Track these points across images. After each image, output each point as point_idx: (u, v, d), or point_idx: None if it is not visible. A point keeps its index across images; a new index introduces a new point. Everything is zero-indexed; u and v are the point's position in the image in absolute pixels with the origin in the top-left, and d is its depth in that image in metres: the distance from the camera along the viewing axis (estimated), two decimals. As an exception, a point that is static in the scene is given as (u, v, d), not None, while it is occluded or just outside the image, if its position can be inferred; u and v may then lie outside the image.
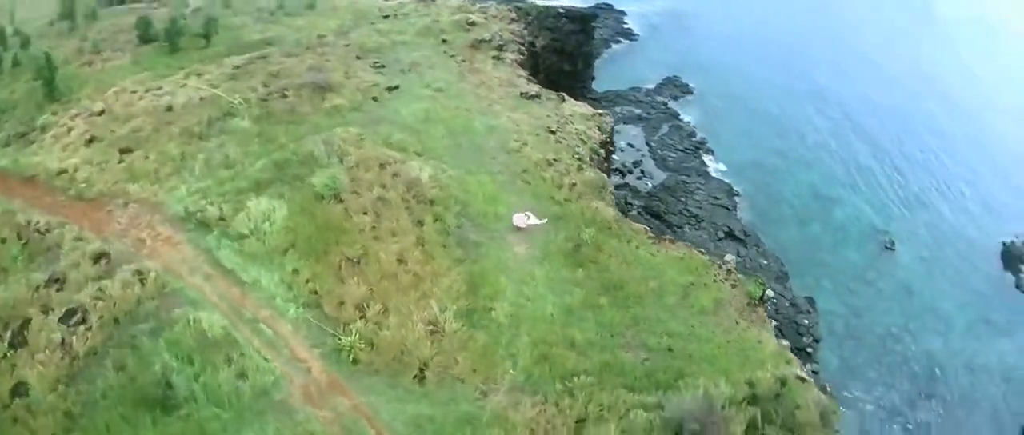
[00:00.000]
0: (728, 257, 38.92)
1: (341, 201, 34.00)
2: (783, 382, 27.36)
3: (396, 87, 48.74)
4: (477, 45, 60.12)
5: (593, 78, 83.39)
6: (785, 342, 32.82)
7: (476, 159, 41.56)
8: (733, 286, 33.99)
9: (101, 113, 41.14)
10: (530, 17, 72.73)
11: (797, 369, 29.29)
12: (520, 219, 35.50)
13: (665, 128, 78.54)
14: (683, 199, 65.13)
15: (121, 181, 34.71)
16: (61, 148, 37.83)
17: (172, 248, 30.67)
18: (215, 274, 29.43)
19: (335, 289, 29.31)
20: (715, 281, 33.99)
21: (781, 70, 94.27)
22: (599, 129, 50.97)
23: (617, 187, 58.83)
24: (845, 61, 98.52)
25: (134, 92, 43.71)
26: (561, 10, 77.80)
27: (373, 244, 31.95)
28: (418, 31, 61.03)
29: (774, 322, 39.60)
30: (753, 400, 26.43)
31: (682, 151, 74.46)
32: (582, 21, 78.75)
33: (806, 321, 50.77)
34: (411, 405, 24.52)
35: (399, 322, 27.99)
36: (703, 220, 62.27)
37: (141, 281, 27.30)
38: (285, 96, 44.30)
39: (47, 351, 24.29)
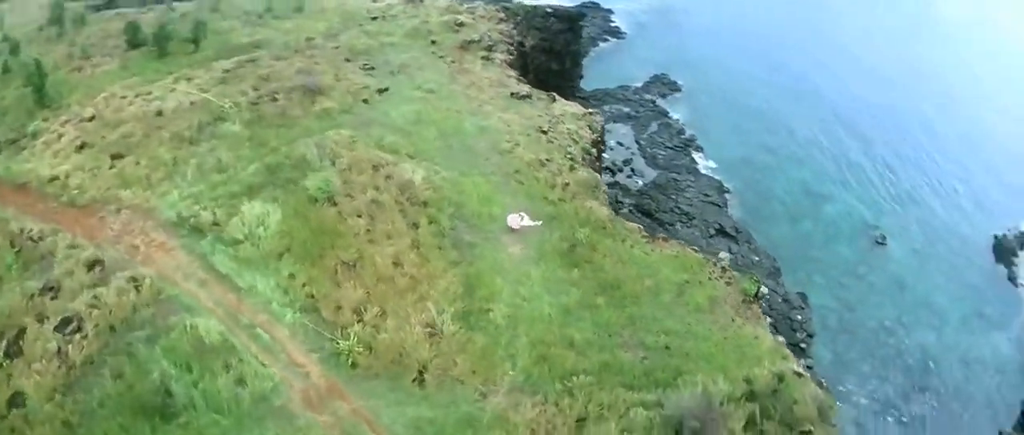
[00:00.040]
0: (722, 254, 39.28)
1: (335, 204, 33.87)
2: (780, 378, 27.55)
3: (386, 89, 48.61)
4: (466, 46, 60.03)
5: (581, 77, 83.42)
6: (781, 338, 32.92)
7: (468, 160, 41.53)
8: (728, 283, 34.17)
9: (91, 119, 40.83)
10: (518, 17, 72.63)
11: (794, 365, 29.51)
12: (514, 220, 35.51)
13: (654, 126, 78.71)
14: (674, 197, 65.32)
15: (113, 187, 34.48)
16: (52, 155, 37.55)
17: (166, 254, 30.49)
18: (210, 279, 29.29)
19: (331, 293, 29.23)
20: (710, 279, 34.16)
21: (769, 66, 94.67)
22: (590, 128, 51.03)
23: (608, 186, 58.79)
24: (833, 57, 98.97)
25: (124, 97, 43.38)
26: (549, 9, 77.70)
27: (368, 247, 31.87)
28: (407, 32, 60.86)
29: (768, 318, 39.74)
30: (751, 396, 26.62)
31: (672, 149, 74.66)
32: (570, 20, 78.71)
33: (799, 316, 51.08)
34: (411, 408, 24.50)
35: (397, 325, 27.95)
36: (694, 217, 62.46)
37: (136, 288, 27.15)
38: (275, 99, 44.08)
39: (43, 360, 24.15)
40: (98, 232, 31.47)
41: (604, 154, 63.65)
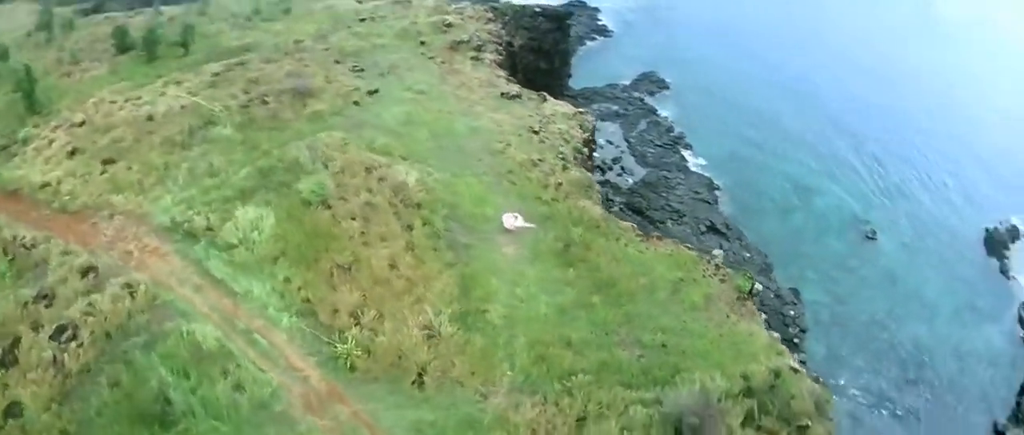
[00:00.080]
0: (716, 252, 39.38)
1: (329, 207, 33.77)
2: (777, 374, 27.65)
3: (376, 91, 48.53)
4: (455, 46, 60.06)
5: (570, 76, 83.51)
6: (776, 334, 33.13)
7: (461, 161, 41.53)
8: (722, 281, 34.36)
9: (82, 124, 40.54)
10: (506, 17, 72.72)
11: (789, 360, 29.68)
12: (509, 220, 35.55)
13: (643, 124, 78.89)
14: (664, 194, 65.44)
15: (105, 193, 34.22)
16: (44, 161, 37.26)
17: (160, 259, 30.30)
18: (205, 285, 29.11)
19: (328, 297, 29.13)
20: (704, 276, 34.33)
21: (756, 63, 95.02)
22: (581, 128, 51.17)
23: (598, 184, 59.03)
24: (820, 53, 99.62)
25: (113, 102, 43.10)
26: (537, 9, 77.86)
27: (363, 250, 31.80)
28: (396, 34, 60.83)
29: (762, 314, 39.98)
30: (749, 392, 26.73)
31: (661, 146, 74.81)
32: (558, 19, 78.79)
33: (792, 312, 51.31)
34: (411, 411, 24.46)
35: (394, 327, 27.88)
36: (685, 215, 62.59)
37: (131, 294, 26.87)
38: (266, 102, 43.93)
39: (39, 369, 23.84)
40: (91, 238, 31.21)
41: (594, 153, 63.87)
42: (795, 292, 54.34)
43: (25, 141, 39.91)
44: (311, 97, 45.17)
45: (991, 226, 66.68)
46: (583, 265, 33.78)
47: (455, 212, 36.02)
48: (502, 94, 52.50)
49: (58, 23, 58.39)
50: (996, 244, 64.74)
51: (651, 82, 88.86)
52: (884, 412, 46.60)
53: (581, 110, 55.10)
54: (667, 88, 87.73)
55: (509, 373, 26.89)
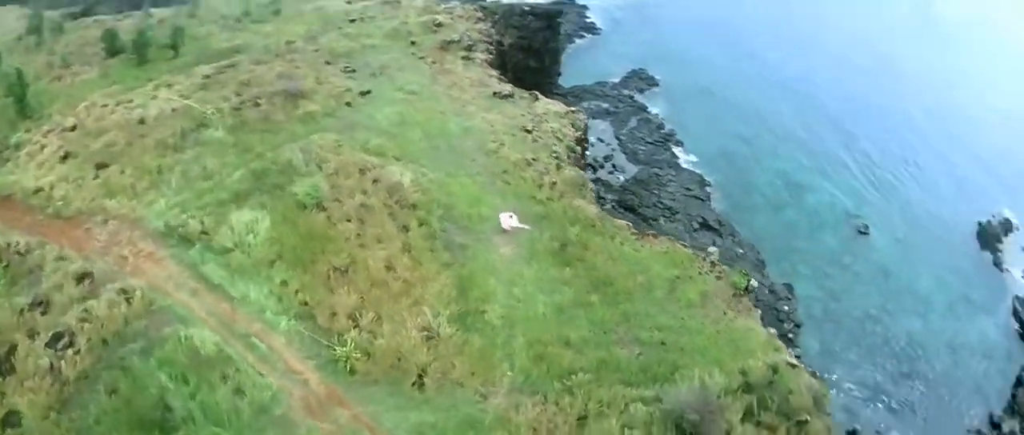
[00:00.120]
0: (711, 249, 39.51)
1: (324, 209, 33.71)
2: (775, 369, 27.79)
3: (368, 91, 48.40)
4: (446, 46, 59.98)
5: (560, 74, 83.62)
6: (772, 330, 33.27)
7: (455, 161, 41.50)
8: (718, 278, 34.51)
9: (74, 129, 40.27)
10: (496, 16, 72.64)
11: (787, 356, 29.81)
12: (506, 220, 35.54)
13: (633, 121, 79.01)
14: (656, 192, 65.56)
15: (98, 197, 34.00)
16: (36, 166, 37.01)
17: (155, 264, 30.13)
18: (202, 289, 28.99)
19: (326, 299, 29.07)
20: (700, 274, 34.48)
21: (746, 59, 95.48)
22: (573, 126, 51.19)
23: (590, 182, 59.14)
24: (809, 49, 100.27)
25: (105, 106, 42.82)
26: (526, 7, 77.91)
27: (360, 252, 31.74)
28: (386, 34, 60.67)
29: (757, 310, 40.13)
30: (747, 388, 26.83)
31: (652, 144, 74.96)
32: (548, 18, 78.85)
33: (786, 307, 51.50)
34: (412, 412, 24.42)
35: (393, 329, 27.85)
36: (677, 212, 62.74)
37: (127, 300, 26.73)
38: (258, 104, 43.71)
39: (36, 377, 23.65)
40: (85, 244, 31.02)
41: (586, 151, 63.93)
42: (789, 287, 54.59)
43: (17, 146, 39.66)
44: (303, 98, 44.99)
45: (984, 220, 67.20)
46: (580, 264, 33.88)
47: (450, 213, 35.97)
48: (494, 93, 52.48)
49: (48, 27, 58.01)
50: (989, 237, 65.22)
51: (640, 79, 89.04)
52: (879, 405, 46.86)
53: (573, 109, 55.12)
54: (656, 85, 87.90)
55: (509, 373, 26.93)
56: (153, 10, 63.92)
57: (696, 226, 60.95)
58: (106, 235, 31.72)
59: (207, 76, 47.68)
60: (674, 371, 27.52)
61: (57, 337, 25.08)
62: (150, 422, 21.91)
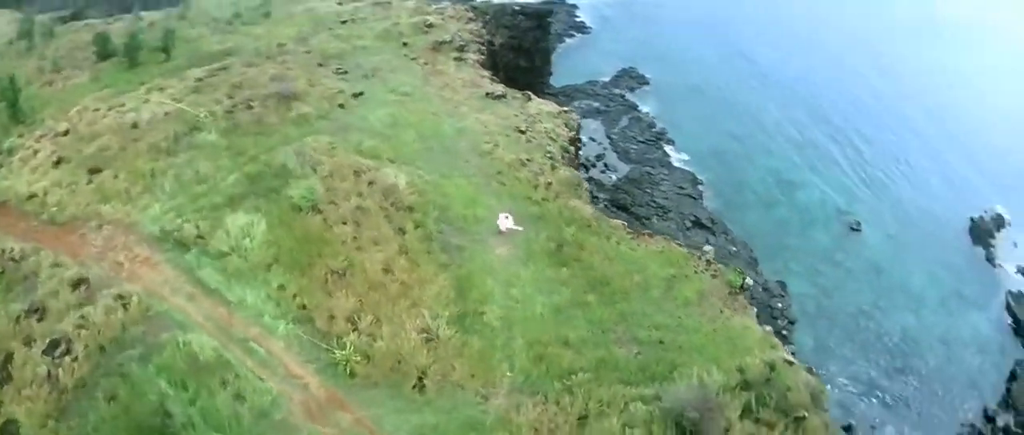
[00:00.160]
0: (706, 247, 39.60)
1: (319, 212, 33.63)
2: (772, 366, 27.92)
3: (361, 93, 48.30)
4: (438, 47, 59.91)
5: (551, 74, 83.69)
6: (768, 328, 33.45)
7: (449, 162, 41.47)
8: (714, 276, 34.61)
9: (66, 133, 40.04)
10: (487, 16, 72.69)
11: (783, 353, 29.96)
12: (503, 221, 35.55)
13: (625, 120, 79.19)
14: (648, 190, 65.70)
15: (93, 202, 33.84)
16: (30, 171, 36.77)
17: (151, 269, 30.00)
18: (198, 294, 28.89)
19: (324, 302, 29.00)
20: (696, 272, 34.57)
21: (737, 57, 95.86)
22: (567, 126, 51.29)
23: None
24: (799, 47, 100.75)
25: (97, 110, 42.57)
26: (517, 7, 77.91)
27: (357, 254, 31.68)
28: (377, 35, 60.54)
29: (752, 308, 40.35)
30: (746, 385, 26.94)
31: (643, 143, 75.13)
32: (538, 17, 78.95)
33: (779, 304, 51.80)
34: (414, 415, 24.41)
35: (392, 332, 27.82)
36: (670, 210, 62.91)
37: (124, 306, 26.59)
38: (251, 107, 43.54)
39: (34, 385, 23.52)
40: (80, 249, 30.84)
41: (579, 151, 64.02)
42: (782, 285, 54.88)
43: (10, 152, 39.37)
44: (296, 101, 44.83)
45: (976, 215, 67.68)
46: (577, 264, 33.93)
47: (446, 214, 35.95)
48: (487, 94, 52.46)
49: (38, 31, 57.64)
50: (981, 233, 65.70)
51: (631, 78, 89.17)
52: (874, 401, 47.19)
53: (566, 109, 55.20)
54: (647, 84, 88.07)
55: (509, 374, 26.97)
56: (143, 13, 63.63)
57: (689, 224, 61.15)
58: (101, 240, 31.56)
59: (199, 79, 47.47)
60: (673, 370, 27.62)
61: (54, 344, 24.92)
62: (150, 429, 21.79)
